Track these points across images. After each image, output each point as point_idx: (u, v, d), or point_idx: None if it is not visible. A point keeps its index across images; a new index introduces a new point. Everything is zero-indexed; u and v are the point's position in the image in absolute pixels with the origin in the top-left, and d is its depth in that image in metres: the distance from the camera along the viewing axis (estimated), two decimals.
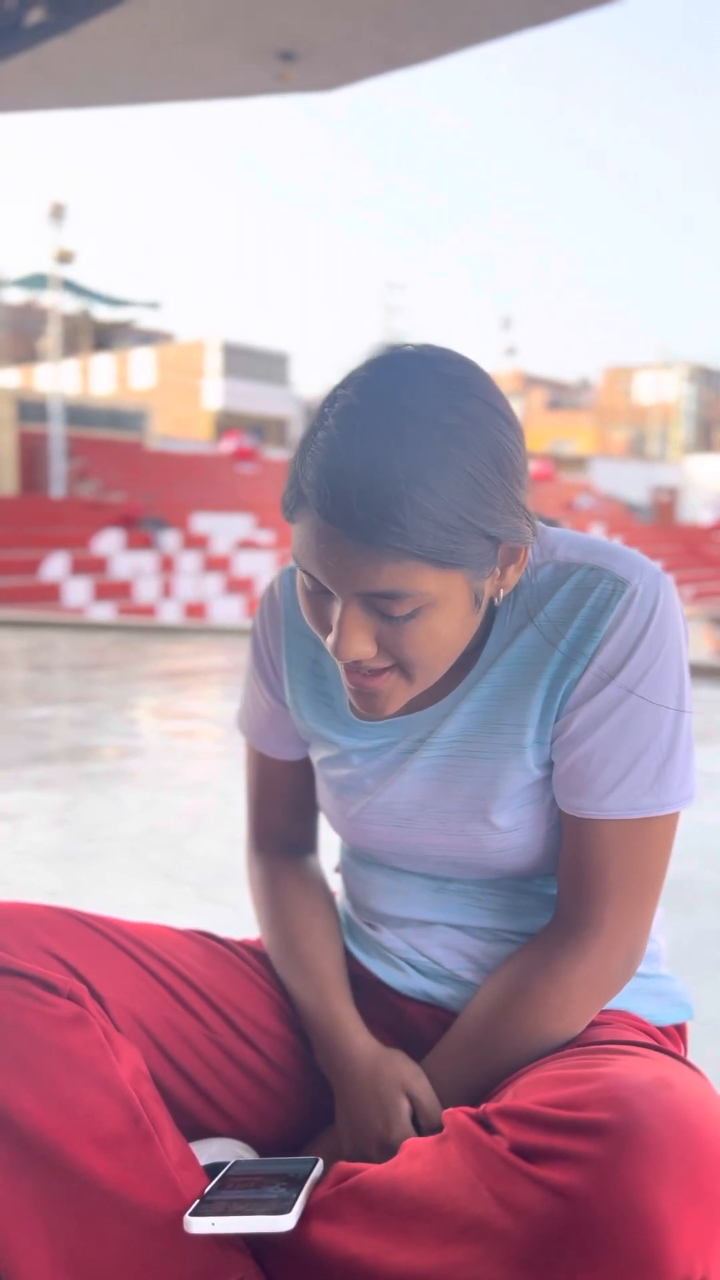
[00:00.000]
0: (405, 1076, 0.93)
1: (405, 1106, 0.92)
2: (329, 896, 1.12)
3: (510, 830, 0.93)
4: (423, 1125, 0.91)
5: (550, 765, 0.92)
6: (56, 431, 23.36)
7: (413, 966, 1.02)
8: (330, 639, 0.84)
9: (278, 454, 33.45)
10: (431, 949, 1.01)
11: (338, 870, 1.14)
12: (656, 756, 0.87)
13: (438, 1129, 0.87)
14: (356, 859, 1.08)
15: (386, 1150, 0.89)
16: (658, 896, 0.92)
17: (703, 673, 7.04)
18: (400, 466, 0.76)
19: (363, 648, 0.83)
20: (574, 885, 0.91)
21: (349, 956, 1.09)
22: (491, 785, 0.93)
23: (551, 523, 1.23)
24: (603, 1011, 0.96)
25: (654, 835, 0.90)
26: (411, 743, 0.97)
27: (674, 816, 0.90)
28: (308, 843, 1.17)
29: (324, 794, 1.06)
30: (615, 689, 0.87)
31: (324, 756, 1.04)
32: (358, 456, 0.77)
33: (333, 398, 0.81)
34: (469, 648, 0.93)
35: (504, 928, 0.99)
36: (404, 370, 0.81)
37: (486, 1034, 0.91)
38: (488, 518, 0.80)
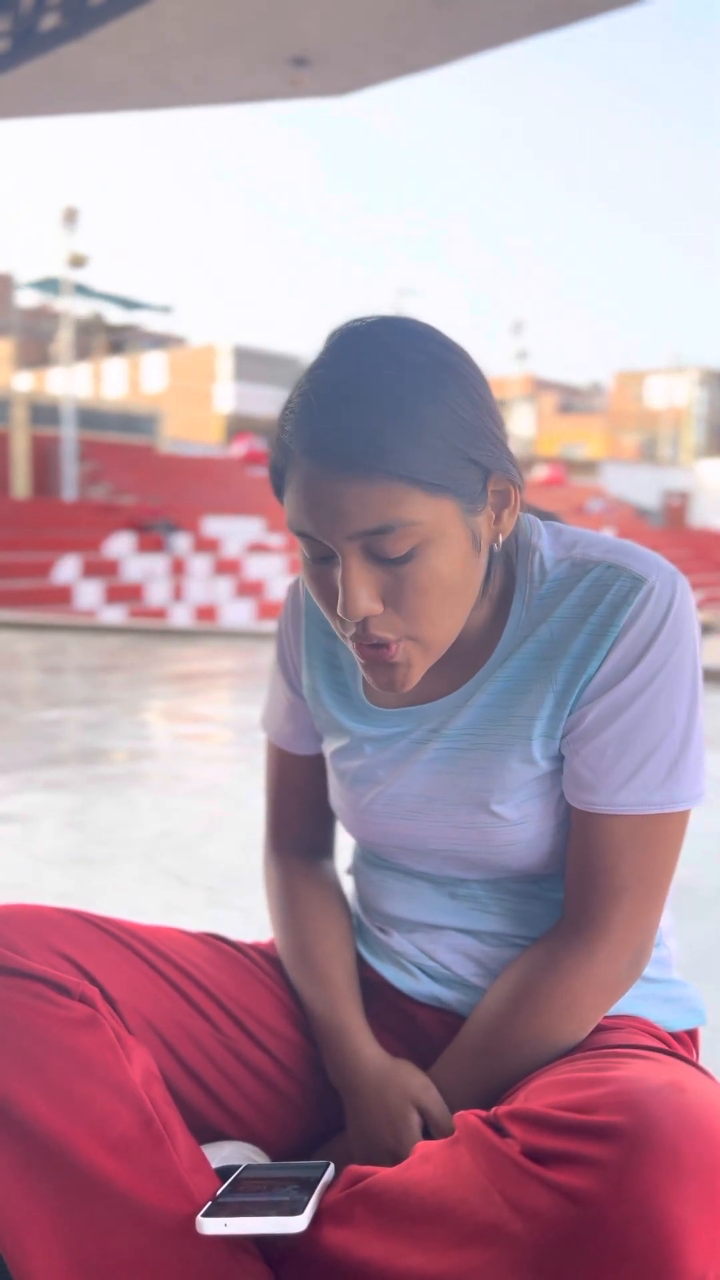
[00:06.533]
0: (414, 1089, 0.93)
1: (415, 1120, 0.92)
2: (344, 903, 1.12)
3: (518, 822, 0.93)
4: (434, 1138, 0.90)
5: (559, 759, 0.92)
6: (68, 435, 23.41)
7: (422, 971, 1.02)
8: (338, 602, 0.84)
9: None
10: (441, 953, 1.01)
11: (349, 872, 1.14)
12: (670, 752, 0.88)
13: None
14: (368, 861, 1.08)
15: (398, 1163, 0.89)
16: (665, 897, 0.92)
17: (713, 677, 7.01)
18: (375, 397, 0.80)
19: (369, 604, 0.84)
20: (582, 885, 0.91)
21: (360, 959, 1.09)
22: (496, 777, 0.93)
23: (550, 516, 1.23)
24: (614, 1016, 0.96)
25: (665, 833, 0.90)
26: (424, 733, 0.97)
27: (684, 815, 0.90)
28: (325, 846, 1.17)
29: (335, 788, 1.06)
30: (631, 684, 0.87)
31: (337, 748, 1.04)
32: (335, 397, 0.81)
33: (306, 371, 0.86)
34: (484, 639, 0.94)
35: (513, 933, 0.98)
36: (367, 330, 0.86)
37: (494, 1038, 0.91)
38: (469, 441, 0.83)
